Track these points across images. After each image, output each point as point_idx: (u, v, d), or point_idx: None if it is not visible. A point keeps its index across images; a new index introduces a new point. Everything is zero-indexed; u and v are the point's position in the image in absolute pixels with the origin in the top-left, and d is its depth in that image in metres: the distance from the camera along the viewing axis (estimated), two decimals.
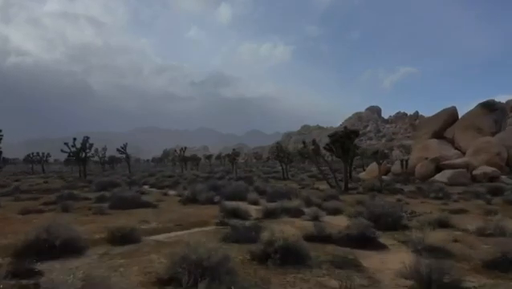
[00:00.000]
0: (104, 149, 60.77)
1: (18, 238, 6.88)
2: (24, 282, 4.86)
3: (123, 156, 47.18)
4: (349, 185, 20.08)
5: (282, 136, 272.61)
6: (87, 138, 35.71)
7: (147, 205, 13.16)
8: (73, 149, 34.76)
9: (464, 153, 28.09)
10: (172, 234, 8.73)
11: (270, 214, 11.30)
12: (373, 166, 29.82)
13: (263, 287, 4.86)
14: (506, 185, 21.79)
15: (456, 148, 29.50)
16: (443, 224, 9.34)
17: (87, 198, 16.14)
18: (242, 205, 14.45)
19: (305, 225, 9.74)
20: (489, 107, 29.69)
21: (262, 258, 5.71)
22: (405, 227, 9.20)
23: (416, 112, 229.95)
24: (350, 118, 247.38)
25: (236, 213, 11.06)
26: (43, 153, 63.53)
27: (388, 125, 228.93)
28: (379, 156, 22.35)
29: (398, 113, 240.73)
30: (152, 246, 7.36)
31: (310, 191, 20.05)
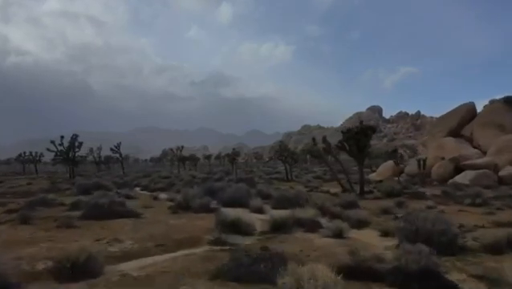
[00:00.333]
0: (99, 149, 58.33)
1: None
2: None
3: (117, 155, 44.68)
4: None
5: (283, 136, 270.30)
6: (76, 136, 33.27)
7: (128, 214, 10.82)
8: (60, 148, 32.36)
9: (484, 153, 25.78)
10: (149, 259, 6.41)
11: (279, 227, 8.98)
12: (385, 166, 27.49)
13: None
14: None
15: (474, 147, 27.20)
16: None
17: (62, 204, 13.80)
18: (243, 213, 12.14)
19: (328, 245, 7.40)
20: (511, 102, 27.28)
21: None
22: (463, 249, 6.87)
23: (418, 112, 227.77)
24: (350, 118, 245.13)
25: (236, 227, 8.74)
26: (36, 153, 61.09)
27: (389, 125, 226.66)
28: (397, 155, 20.06)
29: (399, 113, 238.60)
30: (113, 283, 5.03)
31: (320, 195, 17.71)
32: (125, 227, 9.19)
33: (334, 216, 10.49)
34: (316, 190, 20.87)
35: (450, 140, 27.88)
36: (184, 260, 6.19)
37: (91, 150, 58.49)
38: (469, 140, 28.02)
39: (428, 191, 18.89)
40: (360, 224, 9.46)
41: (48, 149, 32.96)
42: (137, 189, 25.13)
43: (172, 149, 53.47)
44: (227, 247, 7.13)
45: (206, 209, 12.01)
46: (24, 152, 60.25)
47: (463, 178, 22.92)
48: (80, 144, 33.16)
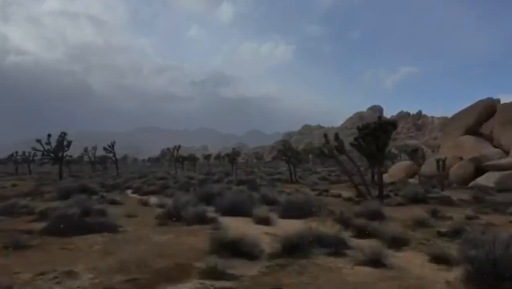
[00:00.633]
0: (94, 148, 56.26)
1: None
2: None
3: (111, 154, 42.55)
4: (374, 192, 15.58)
5: (283, 135, 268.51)
6: (64, 135, 31.11)
7: (103, 227, 8.71)
8: (47, 147, 30.20)
9: (506, 152, 23.67)
10: None
11: (293, 248, 6.88)
12: (398, 167, 25.36)
13: None
14: None
15: (495, 146, 25.09)
16: None
17: (30, 213, 11.68)
18: (246, 225, 10.06)
19: (367, 279, 5.28)
20: None
21: None
22: None
23: (420, 112, 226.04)
24: (351, 118, 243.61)
25: (237, 247, 6.66)
26: (29, 152, 58.90)
27: None
28: (418, 155, 17.92)
29: (400, 112, 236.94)
30: None
31: (332, 200, 15.60)
32: (94, 247, 7.09)
33: (359, 230, 8.40)
34: (326, 194, 18.78)
35: (468, 138, 25.78)
36: None
37: (86, 150, 56.48)
38: (489, 139, 25.90)
39: (452, 195, 16.78)
40: (397, 243, 7.34)
41: (34, 148, 30.83)
42: (128, 191, 23.06)
43: (169, 149, 51.27)
44: (225, 286, 5.03)
45: (201, 220, 9.92)
46: (16, 152, 58.03)
47: (486, 180, 20.83)
48: (69, 142, 30.99)
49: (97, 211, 11.21)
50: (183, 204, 10.55)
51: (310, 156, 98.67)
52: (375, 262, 6.00)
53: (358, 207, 11.55)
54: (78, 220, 8.78)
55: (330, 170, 54.58)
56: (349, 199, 15.59)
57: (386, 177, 27.50)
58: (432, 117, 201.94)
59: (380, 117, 14.32)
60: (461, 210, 11.89)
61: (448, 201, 14.11)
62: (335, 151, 14.69)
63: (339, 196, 17.64)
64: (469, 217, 10.31)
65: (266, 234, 8.72)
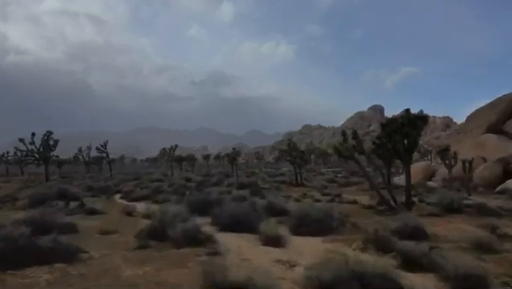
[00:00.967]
0: (89, 148, 53.98)
1: None
2: None
3: (104, 154, 40.25)
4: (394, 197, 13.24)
5: (283, 135, 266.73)
6: (50, 133, 28.77)
7: (59, 254, 6.45)
8: (31, 147, 27.90)
9: None
10: None
11: None
12: (415, 168, 23.07)
13: None
14: None
15: None
16: None
17: None
18: (251, 246, 7.83)
19: None
20: None
21: None
22: None
23: (421, 111, 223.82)
24: (351, 117, 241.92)
25: None
26: (22, 153, 56.60)
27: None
28: (449, 155, 15.59)
29: (402, 112, 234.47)
30: None
31: (348, 208, 13.34)
32: None
33: (405, 258, 6.15)
34: (339, 200, 16.54)
35: (492, 137, 23.56)
36: None
37: (80, 150, 54.26)
38: None
39: (484, 201, 14.54)
40: (471, 283, 5.09)
41: (16, 148, 28.56)
42: (117, 196, 20.85)
43: (165, 149, 48.93)
44: None
45: (193, 240, 7.68)
46: (7, 152, 55.75)
47: None
48: (56, 142, 28.66)
49: (63, 226, 8.99)
50: (171, 218, 8.29)
51: (312, 156, 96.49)
52: None
53: (387, 219, 9.29)
54: (26, 243, 6.53)
55: (334, 171, 52.38)
56: (369, 207, 13.35)
57: (398, 180, 25.27)
58: (434, 117, 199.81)
59: (408, 110, 12.02)
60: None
61: (488, 211, 11.85)
62: (352, 151, 12.42)
63: (355, 202, 15.41)
64: None
65: (279, 262, 6.50)
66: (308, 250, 7.43)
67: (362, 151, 13.05)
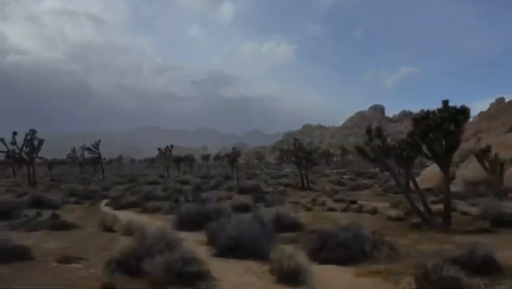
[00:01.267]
0: (83, 148, 51.82)
1: None
2: None
3: (96, 155, 38.05)
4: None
5: (283, 135, 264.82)
6: (34, 132, 26.55)
7: None
8: (12, 147, 25.73)
9: None
10: None
11: None
12: (432, 170, 20.87)
13: None
14: None
15: None
16: None
17: None
18: (262, 286, 5.67)
19: None
20: None
21: None
22: None
23: (422, 111, 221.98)
24: (352, 117, 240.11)
25: None
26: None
27: (392, 124, 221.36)
28: (490, 156, 13.43)
29: (403, 112, 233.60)
30: None
31: (372, 221, 11.14)
32: None
33: None
34: (356, 207, 14.38)
35: None
36: None
37: (74, 150, 52.13)
38: None
39: None
40: None
41: None
42: (104, 201, 18.73)
43: (159, 149, 46.70)
44: None
45: (180, 277, 5.50)
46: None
47: None
48: (41, 142, 26.42)
49: (12, 251, 6.83)
50: (150, 245, 6.09)
51: (314, 156, 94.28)
52: None
53: (427, 238, 7.10)
54: None
55: (339, 172, 50.23)
56: (397, 218, 11.17)
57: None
58: None
59: (447, 102, 9.85)
60: None
61: None
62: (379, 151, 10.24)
63: (376, 211, 13.23)
64: None
65: None
66: None
67: (387, 151, 10.88)
